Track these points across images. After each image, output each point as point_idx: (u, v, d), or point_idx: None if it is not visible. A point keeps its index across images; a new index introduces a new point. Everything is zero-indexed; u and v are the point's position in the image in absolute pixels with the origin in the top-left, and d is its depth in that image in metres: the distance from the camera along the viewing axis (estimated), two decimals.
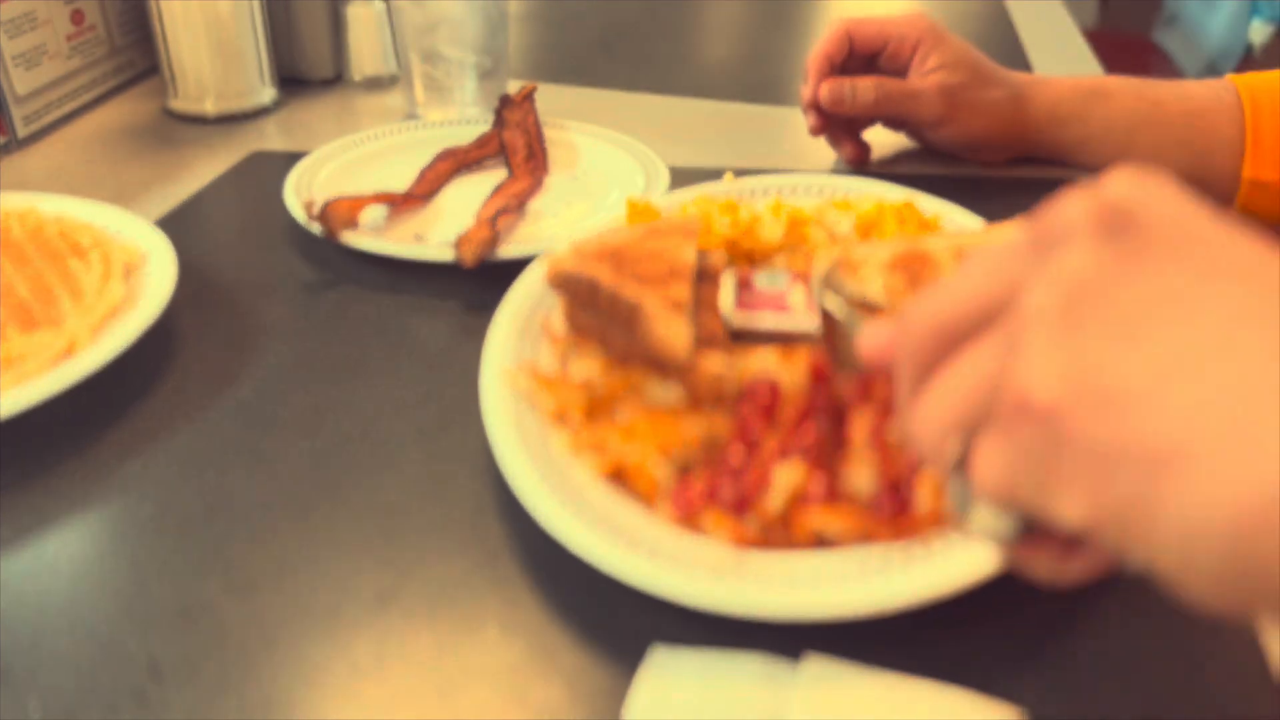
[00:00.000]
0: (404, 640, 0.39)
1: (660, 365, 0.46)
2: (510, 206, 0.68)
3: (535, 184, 0.73)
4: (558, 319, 0.51)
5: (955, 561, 0.37)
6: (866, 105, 0.72)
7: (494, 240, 0.62)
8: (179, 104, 0.88)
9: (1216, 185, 0.69)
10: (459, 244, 0.61)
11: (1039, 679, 0.37)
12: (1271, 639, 0.38)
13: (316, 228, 0.64)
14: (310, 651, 0.38)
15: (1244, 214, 0.69)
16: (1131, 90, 0.70)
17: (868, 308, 0.52)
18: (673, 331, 0.44)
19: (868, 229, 0.58)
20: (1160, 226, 0.25)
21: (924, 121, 0.73)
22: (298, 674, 0.37)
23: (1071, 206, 0.26)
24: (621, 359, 0.47)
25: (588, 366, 0.48)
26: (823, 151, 0.83)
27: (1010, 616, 0.39)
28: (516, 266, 0.57)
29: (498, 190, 0.71)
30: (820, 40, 0.74)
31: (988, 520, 0.27)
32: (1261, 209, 0.68)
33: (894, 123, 0.77)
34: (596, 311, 0.48)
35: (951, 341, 0.28)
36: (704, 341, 0.47)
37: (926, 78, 0.71)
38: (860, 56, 0.74)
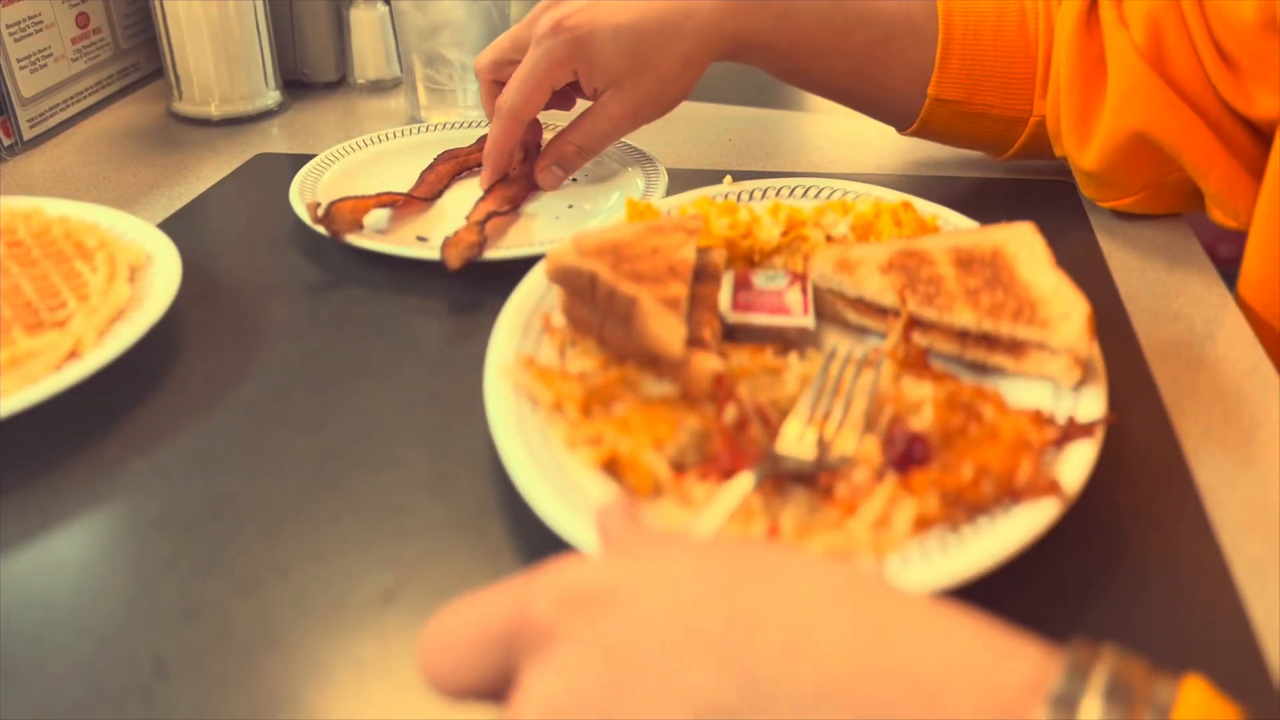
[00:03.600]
0: (408, 637, 0.39)
1: (655, 361, 0.46)
2: (502, 209, 0.68)
3: (528, 187, 0.73)
4: (558, 315, 0.52)
5: (947, 563, 0.38)
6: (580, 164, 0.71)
7: (480, 244, 0.62)
8: (184, 107, 0.89)
9: (895, 107, 0.71)
10: (445, 246, 0.61)
11: None
12: (1268, 640, 0.38)
13: (321, 229, 0.64)
14: (315, 649, 0.39)
15: (922, 128, 0.71)
16: (820, 17, 0.66)
17: (866, 306, 0.53)
18: (667, 328, 0.45)
19: (865, 230, 0.58)
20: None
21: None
22: (302, 671, 0.38)
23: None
24: (618, 354, 0.48)
25: (585, 361, 0.49)
26: (821, 155, 0.83)
27: (1003, 616, 0.39)
28: (518, 267, 0.57)
29: (489, 193, 0.71)
30: (494, 135, 0.70)
31: None
32: (939, 123, 0.70)
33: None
34: (594, 306, 0.48)
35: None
36: (701, 339, 0.48)
37: (604, 106, 0.66)
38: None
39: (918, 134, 0.72)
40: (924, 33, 0.68)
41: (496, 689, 0.27)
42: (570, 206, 0.72)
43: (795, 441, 0.42)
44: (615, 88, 0.65)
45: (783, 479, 0.41)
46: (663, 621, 0.24)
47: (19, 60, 0.81)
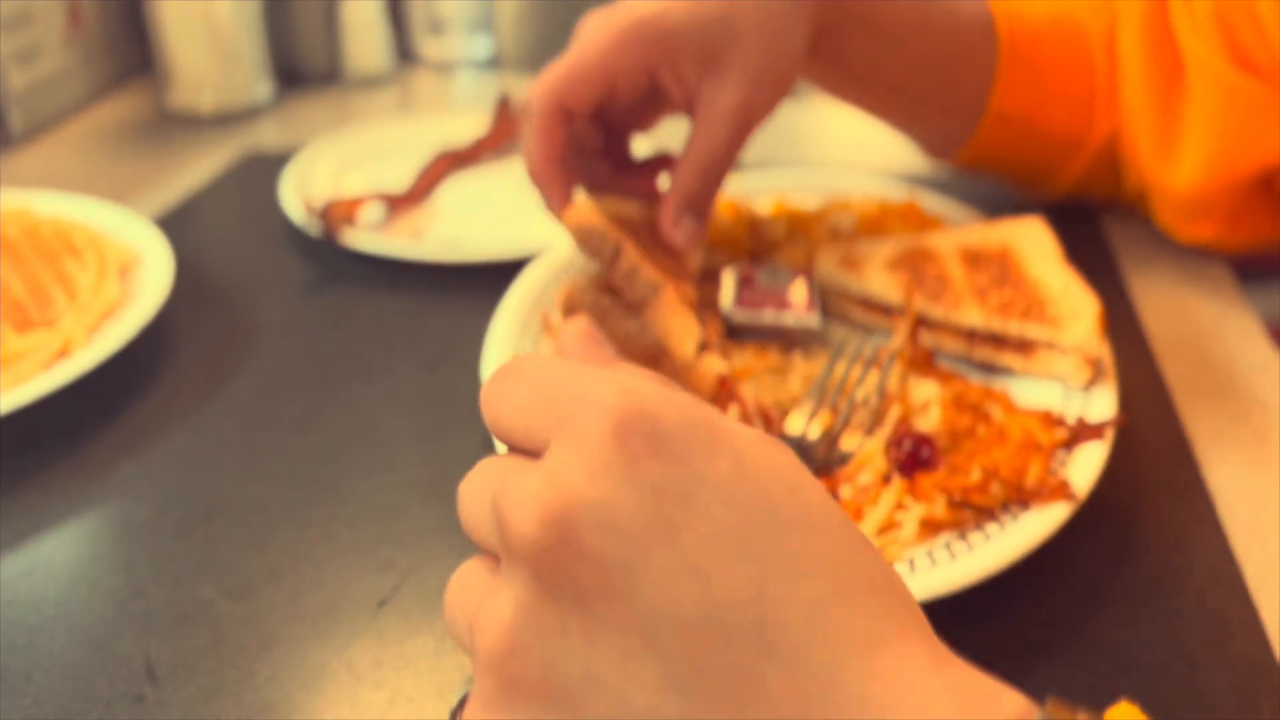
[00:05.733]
0: (402, 643, 0.38)
1: (656, 360, 0.45)
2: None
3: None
4: (556, 314, 0.51)
5: (955, 565, 0.37)
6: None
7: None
8: (175, 101, 0.88)
9: (951, 122, 0.61)
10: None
11: (1041, 679, 0.37)
12: (1276, 640, 0.38)
13: (315, 227, 0.64)
14: (308, 654, 0.38)
15: (977, 149, 0.61)
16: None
17: (871, 304, 0.52)
18: (685, 328, 0.44)
19: (870, 227, 0.58)
20: (606, 573, 0.22)
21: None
22: (295, 677, 0.37)
23: (520, 518, 0.22)
24: (618, 354, 0.47)
25: None
26: (825, 147, 0.82)
27: (1013, 617, 0.39)
28: (516, 266, 0.56)
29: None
30: (531, 137, 0.50)
31: None
32: (994, 144, 0.61)
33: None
34: (601, 287, 0.47)
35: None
36: (704, 339, 0.47)
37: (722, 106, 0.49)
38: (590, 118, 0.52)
39: (966, 162, 0.63)
40: (988, 35, 0.59)
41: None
42: None
43: (801, 432, 0.42)
44: (713, 71, 0.48)
45: None
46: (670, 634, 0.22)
47: (9, 54, 0.80)
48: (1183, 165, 0.58)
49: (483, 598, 0.23)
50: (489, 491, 0.24)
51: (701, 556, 0.22)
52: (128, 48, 0.94)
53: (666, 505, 0.22)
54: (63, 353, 0.50)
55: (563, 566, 0.22)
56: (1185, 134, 0.57)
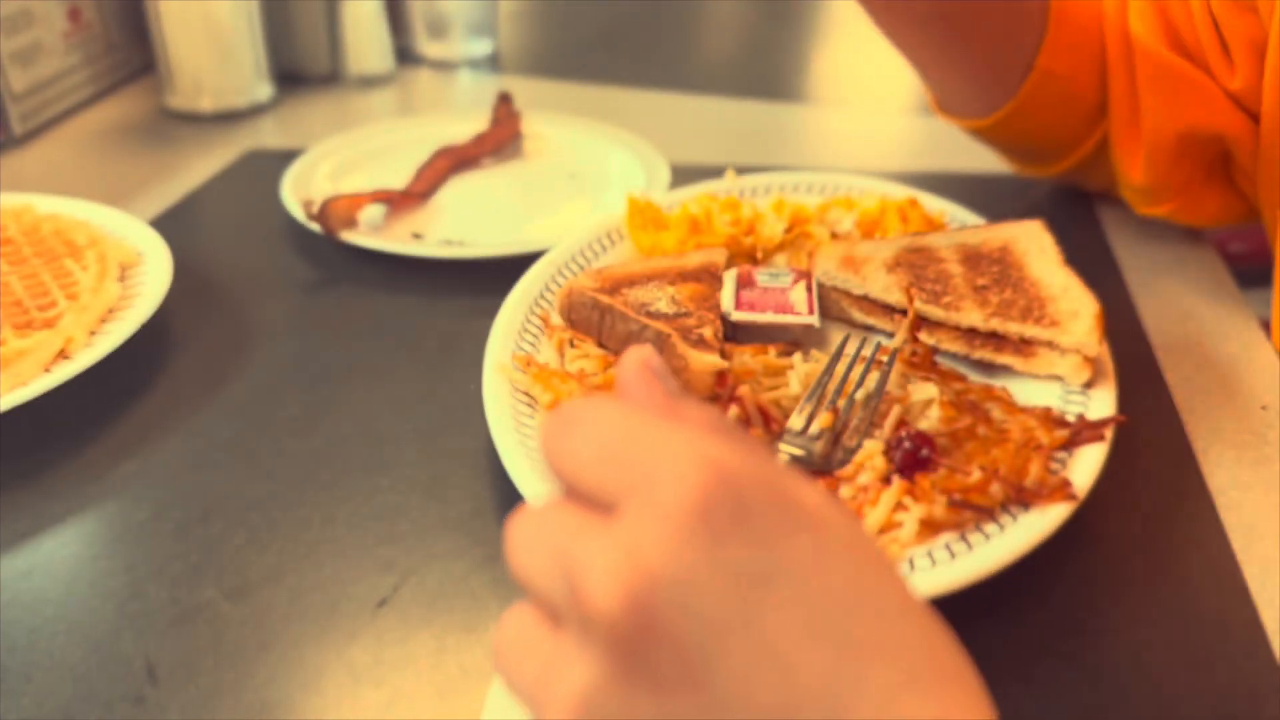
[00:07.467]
0: (402, 643, 0.38)
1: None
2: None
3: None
4: (555, 314, 0.51)
5: (955, 564, 0.37)
6: None
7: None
8: (175, 101, 0.88)
9: (1000, 71, 0.62)
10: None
11: (1041, 679, 0.37)
12: (1276, 639, 0.38)
13: (315, 226, 0.63)
14: (308, 654, 0.38)
15: (1015, 110, 0.62)
16: None
17: (871, 304, 0.52)
18: (701, 360, 0.45)
19: (870, 227, 0.58)
20: (686, 657, 0.21)
21: None
22: (295, 677, 0.37)
23: (599, 593, 0.21)
24: (618, 354, 0.47)
25: (584, 361, 0.48)
26: (825, 149, 0.82)
27: (1013, 618, 0.39)
28: (516, 265, 0.56)
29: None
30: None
31: None
32: (1034, 106, 0.62)
33: None
34: (600, 291, 0.48)
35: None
36: (701, 338, 0.47)
37: None
38: None
39: (1000, 121, 0.63)
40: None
41: None
42: (572, 201, 0.71)
43: (802, 430, 0.42)
44: None
45: None
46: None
47: (10, 54, 0.80)
48: (1139, 155, 0.60)
49: (548, 665, 0.23)
50: (555, 550, 0.23)
51: (780, 643, 0.21)
52: (128, 48, 0.94)
53: (748, 588, 0.21)
54: (63, 353, 0.50)
55: (640, 648, 0.21)
56: (1138, 122, 0.60)
